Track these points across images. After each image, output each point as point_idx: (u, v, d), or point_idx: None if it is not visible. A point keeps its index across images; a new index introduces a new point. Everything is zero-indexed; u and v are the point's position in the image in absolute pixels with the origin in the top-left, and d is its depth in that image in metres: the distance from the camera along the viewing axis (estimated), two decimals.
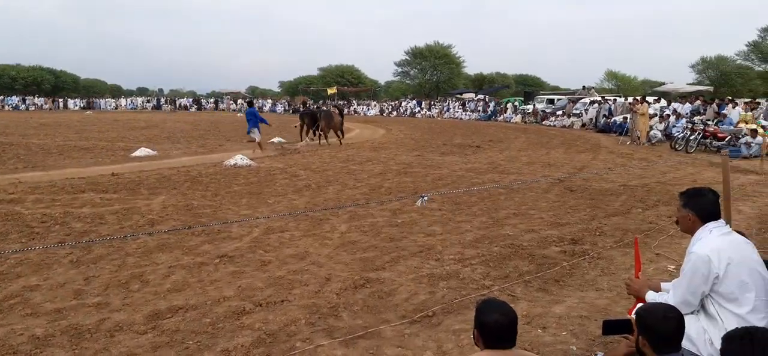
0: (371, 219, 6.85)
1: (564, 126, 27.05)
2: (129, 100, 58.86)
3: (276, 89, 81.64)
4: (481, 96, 42.29)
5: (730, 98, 22.70)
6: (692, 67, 53.25)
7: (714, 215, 2.65)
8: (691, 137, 15.69)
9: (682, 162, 12.72)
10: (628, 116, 19.42)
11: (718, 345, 2.09)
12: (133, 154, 14.01)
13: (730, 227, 2.74)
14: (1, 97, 50.95)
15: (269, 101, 56.24)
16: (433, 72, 59.33)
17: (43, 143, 17.11)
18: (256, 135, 14.45)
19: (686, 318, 2.23)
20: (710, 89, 34.70)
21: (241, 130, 23.49)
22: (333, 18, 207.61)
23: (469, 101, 41.56)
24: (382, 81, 73.90)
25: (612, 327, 2.36)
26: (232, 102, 57.12)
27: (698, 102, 21.47)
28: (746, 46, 47.85)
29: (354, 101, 52.04)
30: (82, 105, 52.54)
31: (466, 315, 3.92)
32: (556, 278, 4.75)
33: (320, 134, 17.25)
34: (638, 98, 21.46)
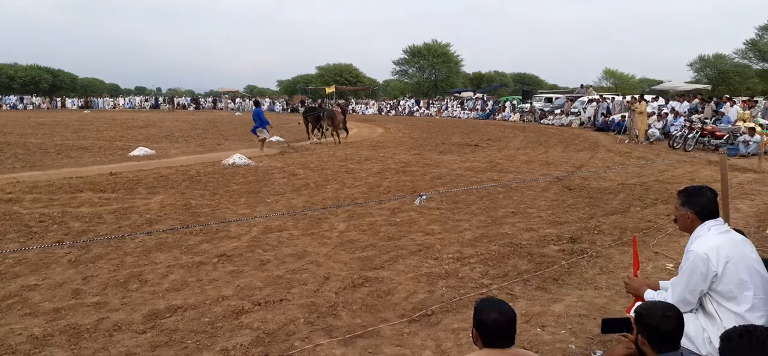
0: (370, 218, 6.84)
1: (562, 125, 27.08)
2: (127, 99, 58.73)
3: (274, 87, 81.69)
4: (479, 95, 42.31)
5: (728, 96, 22.71)
6: (690, 65, 53.32)
7: (712, 214, 2.65)
8: (690, 136, 15.72)
9: (680, 161, 12.74)
10: (627, 114, 19.43)
11: (716, 343, 2.08)
12: (131, 153, 13.98)
13: (729, 225, 2.74)
14: None
15: (267, 100, 56.19)
16: (431, 71, 59.29)
17: (40, 142, 17.06)
18: (263, 133, 14.65)
19: (685, 317, 2.23)
20: (708, 87, 34.76)
21: (240, 129, 23.52)
22: (331, 17, 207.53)
23: (467, 99, 41.60)
24: (380, 80, 73.95)
25: (611, 326, 2.36)
26: (230, 101, 57.08)
27: (696, 100, 21.51)
28: (744, 44, 47.91)
29: (352, 100, 51.99)
30: (80, 104, 52.42)
31: (464, 313, 3.93)
32: (555, 276, 4.76)
33: (324, 133, 17.33)
34: (636, 96, 21.47)
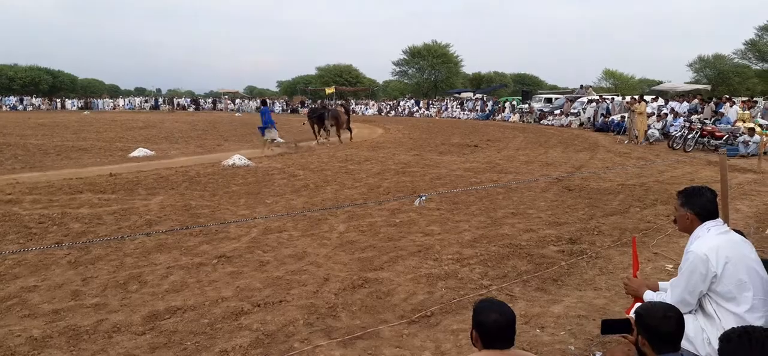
0: (369, 219, 6.84)
1: (562, 125, 27.07)
2: (127, 100, 58.75)
3: (274, 88, 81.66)
4: (479, 95, 42.32)
5: (727, 96, 22.73)
6: (690, 66, 53.39)
7: (712, 214, 2.65)
8: (689, 136, 15.72)
9: (680, 161, 12.75)
10: (626, 115, 19.43)
11: (715, 344, 2.08)
12: (131, 154, 13.98)
13: (728, 226, 2.74)
14: None
15: (267, 100, 56.13)
16: (431, 71, 59.32)
17: (40, 143, 17.06)
18: (272, 133, 14.76)
19: (684, 318, 2.23)
20: (708, 87, 34.79)
21: (240, 130, 23.51)
22: (331, 17, 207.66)
23: (467, 100, 41.59)
24: (380, 80, 73.96)
25: (610, 327, 2.36)
26: (230, 102, 57.07)
27: (696, 101, 21.53)
28: (744, 44, 47.94)
29: (352, 101, 52.01)
30: (79, 105, 52.43)
31: (464, 314, 3.92)
32: (555, 277, 4.76)
33: (328, 132, 17.42)
34: (636, 96, 21.48)
